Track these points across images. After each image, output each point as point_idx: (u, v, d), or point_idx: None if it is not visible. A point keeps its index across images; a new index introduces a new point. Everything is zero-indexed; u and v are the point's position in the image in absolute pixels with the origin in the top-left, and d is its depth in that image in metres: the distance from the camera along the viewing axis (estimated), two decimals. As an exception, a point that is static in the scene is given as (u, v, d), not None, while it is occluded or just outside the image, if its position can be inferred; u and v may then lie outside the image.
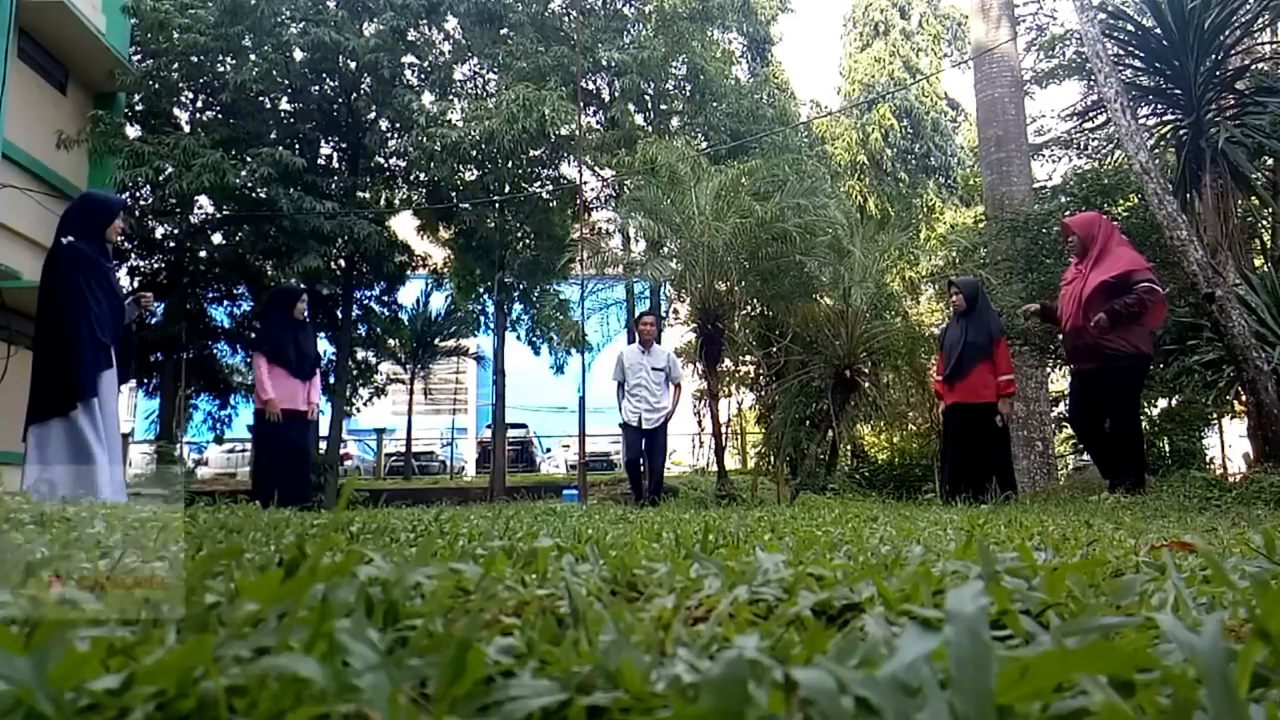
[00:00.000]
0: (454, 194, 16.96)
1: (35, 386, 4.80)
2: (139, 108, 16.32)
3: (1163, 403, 10.38)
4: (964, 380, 6.55)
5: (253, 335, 15.62)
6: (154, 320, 5.77)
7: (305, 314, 7.01)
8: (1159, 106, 8.19)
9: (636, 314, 8.32)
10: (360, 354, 18.71)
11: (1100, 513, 3.77)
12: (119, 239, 5.23)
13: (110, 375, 4.90)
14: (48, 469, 4.60)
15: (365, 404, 19.40)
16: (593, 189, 18.27)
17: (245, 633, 0.61)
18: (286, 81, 16.09)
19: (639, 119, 18.13)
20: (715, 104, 17.71)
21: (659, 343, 8.76)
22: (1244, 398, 6.98)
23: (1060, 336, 6.48)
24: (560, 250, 16.74)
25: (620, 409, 8.29)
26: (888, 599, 0.86)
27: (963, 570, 1.00)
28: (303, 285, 7.82)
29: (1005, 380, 6.63)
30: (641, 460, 8.32)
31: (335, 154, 17.53)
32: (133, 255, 17.37)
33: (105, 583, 0.93)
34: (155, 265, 17.56)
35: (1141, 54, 7.81)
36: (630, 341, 10.44)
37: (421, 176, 16.95)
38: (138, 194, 16.09)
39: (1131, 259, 5.48)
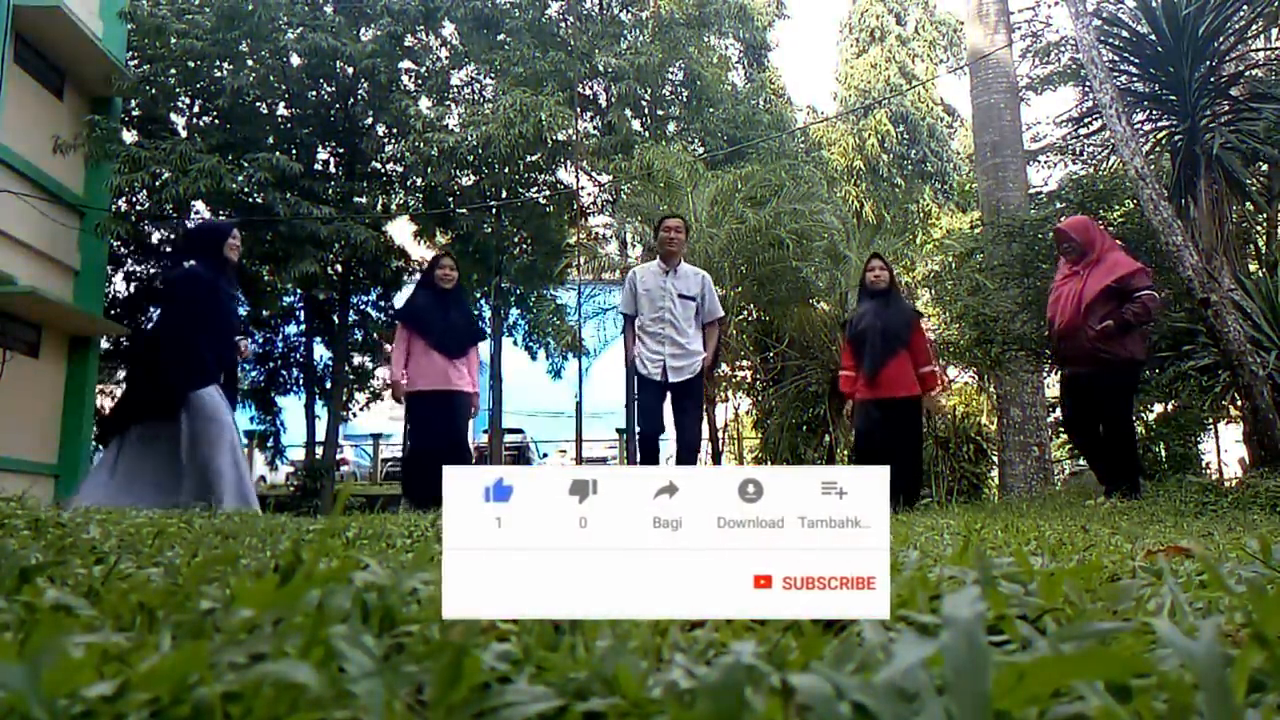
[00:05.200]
0: (451, 199, 16.97)
1: (136, 395, 4.84)
2: (136, 113, 16.32)
3: (1158, 408, 10.39)
4: (884, 371, 5.82)
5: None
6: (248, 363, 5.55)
7: (453, 281, 6.00)
8: (1154, 112, 8.21)
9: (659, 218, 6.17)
10: (357, 359, 18.70)
11: (1097, 518, 3.77)
12: (235, 257, 5.14)
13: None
14: (111, 478, 4.59)
15: (361, 409, 19.38)
16: (589, 194, 18.30)
17: (241, 639, 0.61)
18: (283, 87, 16.09)
19: (636, 124, 18.15)
20: (712, 109, 17.75)
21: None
22: (1239, 403, 6.99)
23: (1050, 338, 6.27)
24: (557, 255, 16.76)
25: (631, 355, 5.86)
26: (884, 604, 0.86)
27: (959, 575, 1.00)
28: (446, 250, 7.22)
29: (929, 372, 5.93)
30: (661, 428, 5.87)
31: (332, 159, 17.53)
32: (129, 260, 17.35)
33: (100, 588, 0.93)
34: (151, 270, 17.54)
35: (1136, 60, 7.84)
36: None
37: (418, 181, 16.96)
38: (134, 199, 16.08)
39: (1129, 261, 5.46)
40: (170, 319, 4.91)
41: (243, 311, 17.95)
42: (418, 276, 6.92)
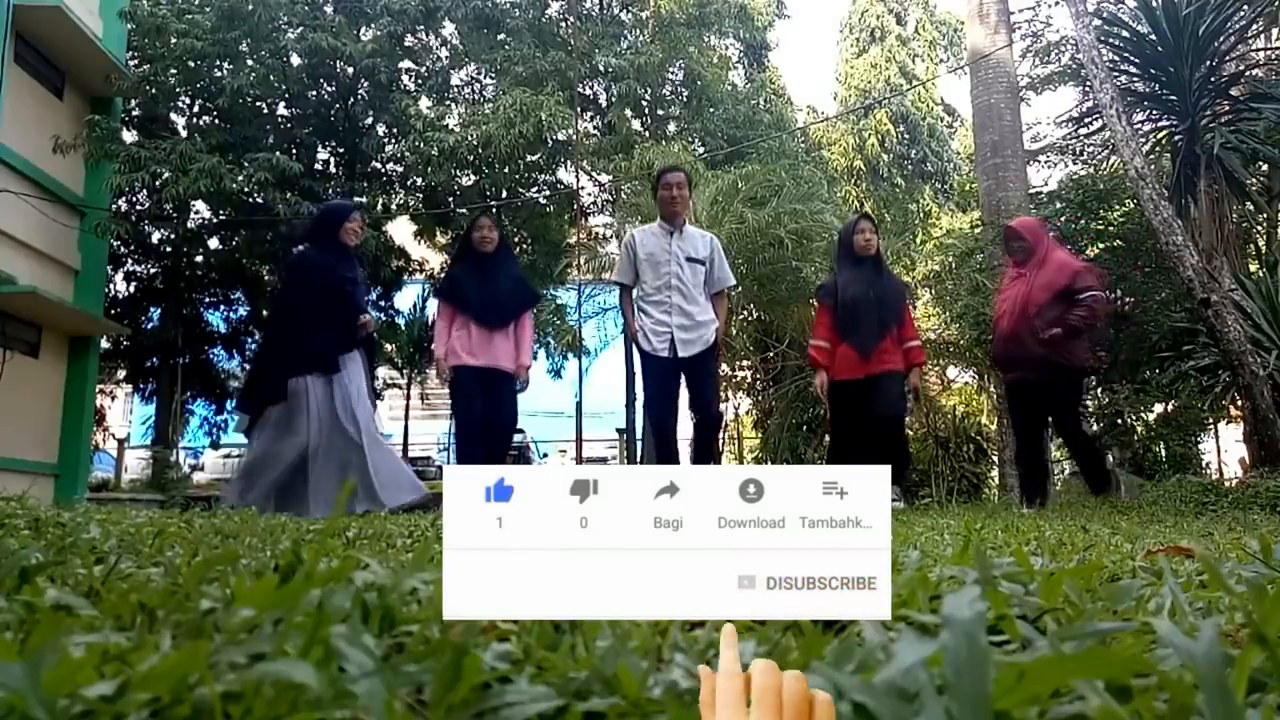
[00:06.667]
0: (451, 199, 16.96)
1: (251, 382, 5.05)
2: (136, 113, 16.30)
3: (1158, 408, 10.39)
4: (879, 347, 5.29)
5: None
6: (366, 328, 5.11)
7: (493, 244, 5.30)
8: (1154, 112, 8.23)
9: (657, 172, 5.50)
10: (357, 359, 18.71)
11: (1097, 518, 3.78)
12: (356, 240, 5.00)
13: (319, 380, 4.67)
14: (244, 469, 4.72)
15: (361, 409, 19.38)
16: (589, 194, 18.28)
17: (241, 639, 0.61)
18: (284, 86, 16.09)
19: (636, 124, 18.15)
20: (712, 109, 17.74)
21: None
22: (1240, 403, 6.99)
23: (994, 343, 5.79)
24: (557, 255, 16.75)
25: (632, 330, 5.17)
26: (885, 604, 0.86)
27: (959, 575, 1.00)
28: (484, 211, 6.38)
29: (916, 346, 5.45)
30: (676, 418, 5.25)
31: (332, 159, 17.52)
32: (129, 260, 17.35)
33: (100, 588, 0.93)
34: (151, 270, 17.54)
35: (1136, 60, 7.85)
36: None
37: (418, 181, 16.94)
38: (134, 199, 16.06)
39: (1073, 262, 5.37)
40: (275, 306, 4.95)
41: (240, 312, 17.55)
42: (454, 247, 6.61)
